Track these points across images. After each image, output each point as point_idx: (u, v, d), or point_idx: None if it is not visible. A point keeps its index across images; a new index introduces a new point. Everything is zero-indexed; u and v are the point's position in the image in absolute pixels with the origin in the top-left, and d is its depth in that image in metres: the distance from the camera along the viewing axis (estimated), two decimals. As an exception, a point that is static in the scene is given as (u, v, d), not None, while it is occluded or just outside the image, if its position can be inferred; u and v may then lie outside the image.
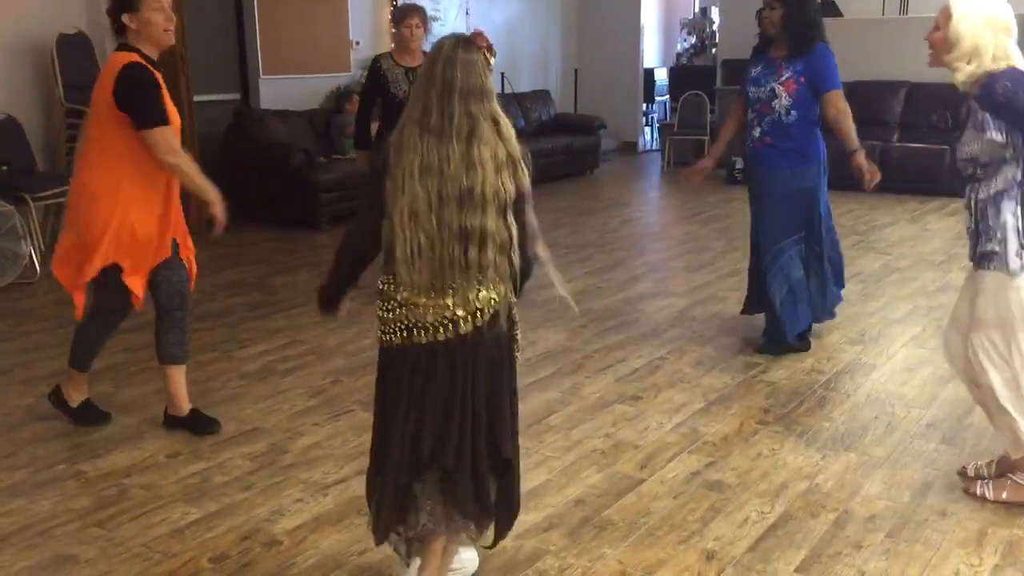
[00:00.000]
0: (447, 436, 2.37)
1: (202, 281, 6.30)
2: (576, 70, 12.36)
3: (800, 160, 4.53)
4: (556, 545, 2.97)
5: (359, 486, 3.36)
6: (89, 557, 2.92)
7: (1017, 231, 3.01)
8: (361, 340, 5.02)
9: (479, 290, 2.33)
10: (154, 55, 3.49)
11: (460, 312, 2.33)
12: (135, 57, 3.41)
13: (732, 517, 3.13)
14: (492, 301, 2.37)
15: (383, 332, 2.43)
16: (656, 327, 5.23)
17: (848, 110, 4.54)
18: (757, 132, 4.57)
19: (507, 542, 2.97)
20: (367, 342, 5.00)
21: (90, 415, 3.90)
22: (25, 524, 3.12)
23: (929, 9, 11.58)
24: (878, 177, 4.45)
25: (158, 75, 3.46)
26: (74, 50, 7.04)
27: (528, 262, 2.40)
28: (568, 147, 10.57)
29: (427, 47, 10.23)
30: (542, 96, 11.36)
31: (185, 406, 3.82)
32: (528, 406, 4.10)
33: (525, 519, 3.12)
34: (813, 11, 4.55)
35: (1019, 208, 3.02)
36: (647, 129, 13.68)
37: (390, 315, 2.40)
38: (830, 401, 4.14)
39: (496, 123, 2.29)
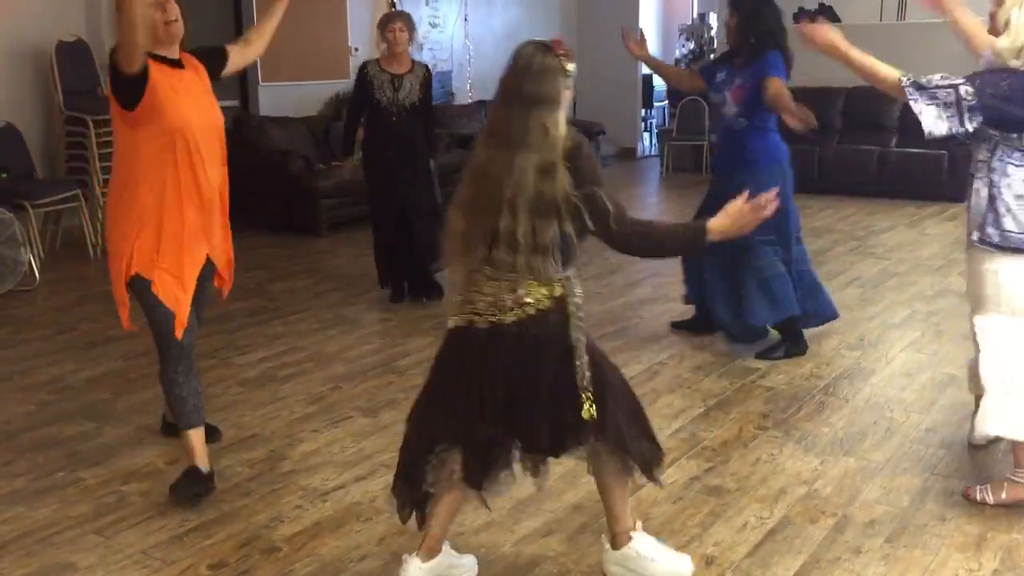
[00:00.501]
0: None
1: (201, 288, 6.32)
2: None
3: (752, 165, 4.52)
4: (555, 551, 2.97)
5: (358, 492, 3.37)
6: (88, 564, 2.92)
7: (980, 210, 3.07)
8: (360, 347, 5.03)
9: (521, 286, 2.42)
10: (171, 53, 3.20)
11: (507, 304, 2.43)
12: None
13: (731, 522, 3.13)
14: (541, 296, 2.45)
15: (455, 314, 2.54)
16: (655, 332, 5.23)
17: (786, 92, 4.42)
18: (714, 137, 4.65)
19: (506, 548, 2.98)
20: (367, 348, 5.01)
21: (182, 485, 3.29)
22: (24, 531, 3.12)
23: (926, 16, 11.59)
24: (812, 118, 4.37)
25: (161, 66, 3.15)
26: (73, 57, 7.05)
27: (623, 237, 2.49)
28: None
29: (417, 53, 10.25)
30: (541, 102, 11.37)
31: None
32: (527, 412, 4.10)
33: (524, 524, 3.13)
34: (769, 19, 4.58)
35: (986, 188, 3.06)
36: (646, 135, 13.70)
37: (460, 298, 2.51)
38: (829, 406, 4.14)
39: (547, 131, 2.36)
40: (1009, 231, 3.02)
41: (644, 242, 2.54)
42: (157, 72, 3.11)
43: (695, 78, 5.16)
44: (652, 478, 2.65)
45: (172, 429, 3.70)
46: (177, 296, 3.21)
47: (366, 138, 5.62)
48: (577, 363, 2.47)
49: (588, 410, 2.46)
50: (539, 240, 2.37)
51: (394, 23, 5.48)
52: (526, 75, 2.37)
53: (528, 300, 2.43)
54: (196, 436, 3.32)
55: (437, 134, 9.35)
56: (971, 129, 3.00)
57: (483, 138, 2.47)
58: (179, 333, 3.21)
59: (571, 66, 2.41)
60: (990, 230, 3.05)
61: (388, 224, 5.61)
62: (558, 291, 2.47)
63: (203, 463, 3.32)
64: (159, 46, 3.16)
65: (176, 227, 3.20)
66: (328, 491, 3.39)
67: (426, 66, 5.66)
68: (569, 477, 3.47)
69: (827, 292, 4.95)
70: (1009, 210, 3.02)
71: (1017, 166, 3.03)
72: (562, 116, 2.42)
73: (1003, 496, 3.18)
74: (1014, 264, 3.05)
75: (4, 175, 6.31)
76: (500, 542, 3.02)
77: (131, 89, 3.07)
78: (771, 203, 2.47)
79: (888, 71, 3.17)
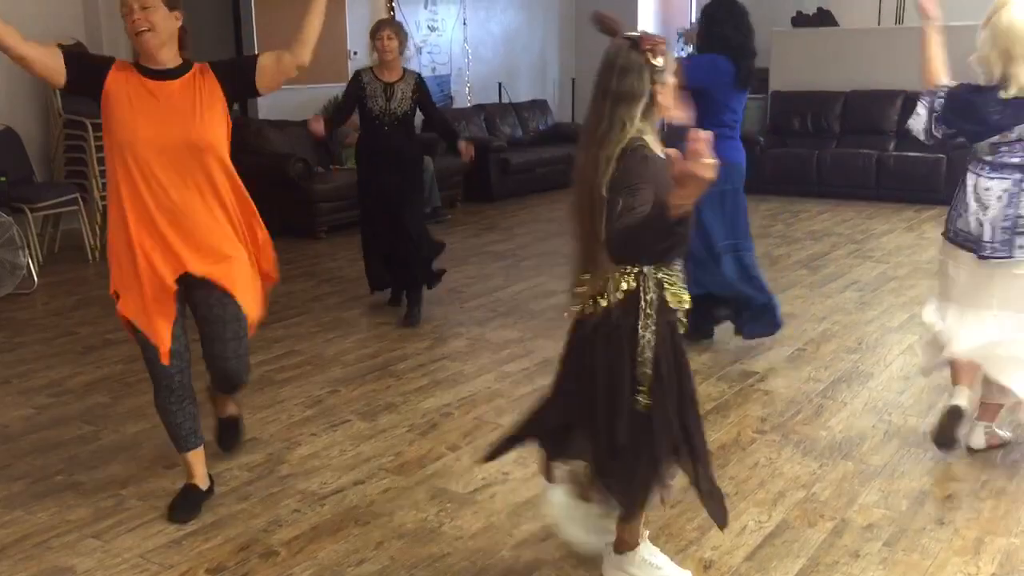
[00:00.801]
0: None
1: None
2: (573, 80, 12.38)
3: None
4: (554, 555, 2.97)
5: (356, 496, 3.37)
6: (86, 568, 2.92)
7: (954, 205, 3.53)
8: (359, 350, 5.03)
9: (607, 279, 2.48)
10: (155, 63, 3.00)
11: (591, 296, 2.52)
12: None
13: (730, 526, 3.12)
14: (622, 289, 2.48)
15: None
16: (654, 336, 5.22)
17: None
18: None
19: (505, 552, 2.98)
20: (365, 352, 5.00)
21: (180, 506, 3.26)
22: (23, 535, 3.12)
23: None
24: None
25: (130, 77, 3.01)
26: (72, 61, 7.05)
27: (609, 243, 2.42)
28: (566, 156, 10.55)
29: (415, 57, 10.20)
30: (539, 105, 11.38)
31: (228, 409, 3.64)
32: (526, 416, 4.10)
33: (523, 529, 3.13)
34: (724, 27, 4.61)
35: (960, 189, 3.51)
36: (644, 138, 13.72)
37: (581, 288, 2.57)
38: (827, 410, 4.14)
39: (624, 127, 2.38)
40: (960, 229, 3.47)
41: (622, 238, 2.52)
42: (116, 84, 2.97)
43: None
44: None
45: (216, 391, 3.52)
46: (150, 320, 3.03)
47: (359, 141, 5.63)
48: (639, 360, 2.48)
49: (643, 403, 2.49)
50: (596, 232, 2.42)
51: (383, 31, 5.47)
52: (611, 72, 2.40)
53: (603, 293, 2.50)
54: (194, 457, 3.26)
55: (436, 137, 9.44)
56: (939, 136, 3.50)
57: (580, 138, 2.51)
58: (164, 359, 3.05)
59: (659, 60, 2.39)
60: (949, 226, 3.54)
61: (380, 232, 5.57)
62: (630, 285, 2.48)
63: (202, 482, 3.30)
64: (148, 59, 3.01)
65: (126, 246, 3.02)
66: (326, 495, 3.39)
67: (417, 73, 5.65)
68: (567, 481, 3.47)
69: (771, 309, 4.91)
70: (963, 212, 3.44)
71: (975, 174, 3.42)
72: (638, 112, 2.40)
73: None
74: (957, 258, 3.51)
75: (3, 179, 6.31)
76: (498, 546, 3.02)
77: (87, 96, 3.00)
78: (704, 140, 2.37)
79: (936, 72, 3.56)
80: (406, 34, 5.61)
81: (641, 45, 2.40)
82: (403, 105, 5.48)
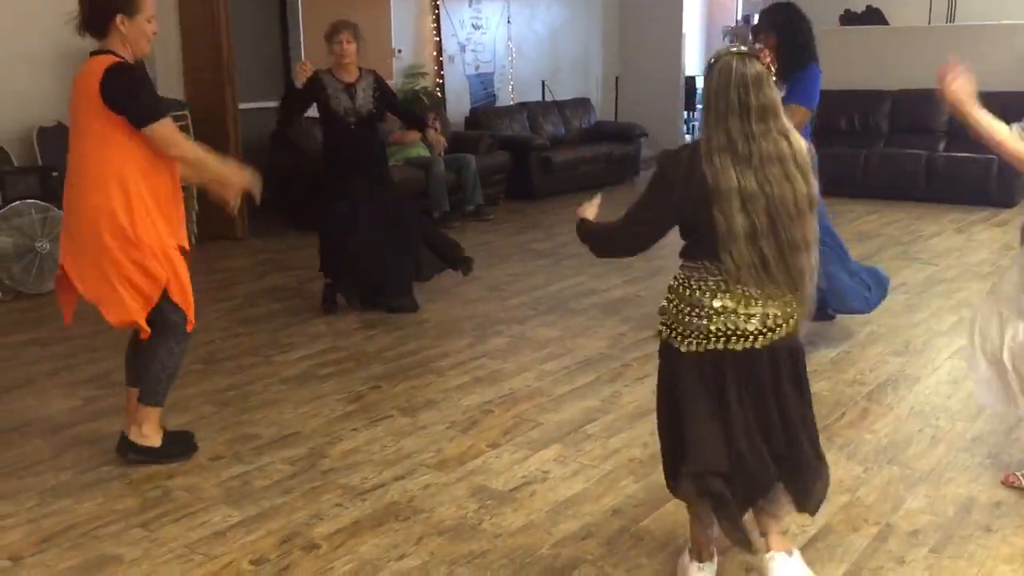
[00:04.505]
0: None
1: (245, 286, 6.39)
2: (617, 78, 12.34)
3: None
4: (593, 554, 2.97)
5: (397, 492, 3.39)
6: (133, 558, 2.97)
7: None
8: (400, 346, 5.05)
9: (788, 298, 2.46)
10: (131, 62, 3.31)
11: (779, 319, 2.46)
12: (118, 59, 3.26)
13: (772, 529, 3.10)
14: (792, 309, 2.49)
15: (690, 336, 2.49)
16: (696, 336, 5.19)
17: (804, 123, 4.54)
18: None
19: (544, 550, 2.98)
20: (406, 348, 5.03)
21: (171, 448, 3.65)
22: (70, 524, 3.18)
23: (975, 17, 11.42)
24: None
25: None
26: (123, 58, 7.17)
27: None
28: (608, 155, 10.55)
29: (459, 55, 10.21)
30: (582, 104, 11.35)
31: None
32: (566, 414, 4.10)
33: (562, 527, 3.12)
34: (806, 34, 4.70)
35: None
36: (688, 137, 13.62)
37: (703, 321, 2.46)
38: (872, 413, 4.08)
39: (787, 136, 2.36)
40: None
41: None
42: None
43: None
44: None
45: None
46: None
47: (325, 146, 5.55)
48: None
49: None
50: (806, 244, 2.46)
51: (341, 34, 5.36)
52: (759, 85, 2.34)
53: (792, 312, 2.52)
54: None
55: (479, 135, 9.46)
56: None
57: (721, 157, 2.35)
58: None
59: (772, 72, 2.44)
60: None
61: (343, 231, 5.41)
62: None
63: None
64: (133, 59, 3.33)
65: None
66: (367, 490, 3.41)
67: (373, 71, 5.56)
68: (607, 481, 3.46)
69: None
70: None
71: None
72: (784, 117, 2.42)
73: None
74: None
75: (54, 174, 6.42)
76: (538, 544, 3.02)
77: None
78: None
79: (1000, 129, 3.02)
80: (362, 36, 5.49)
81: (761, 59, 2.37)
82: (367, 103, 5.42)
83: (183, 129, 6.91)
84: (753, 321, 2.43)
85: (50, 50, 6.60)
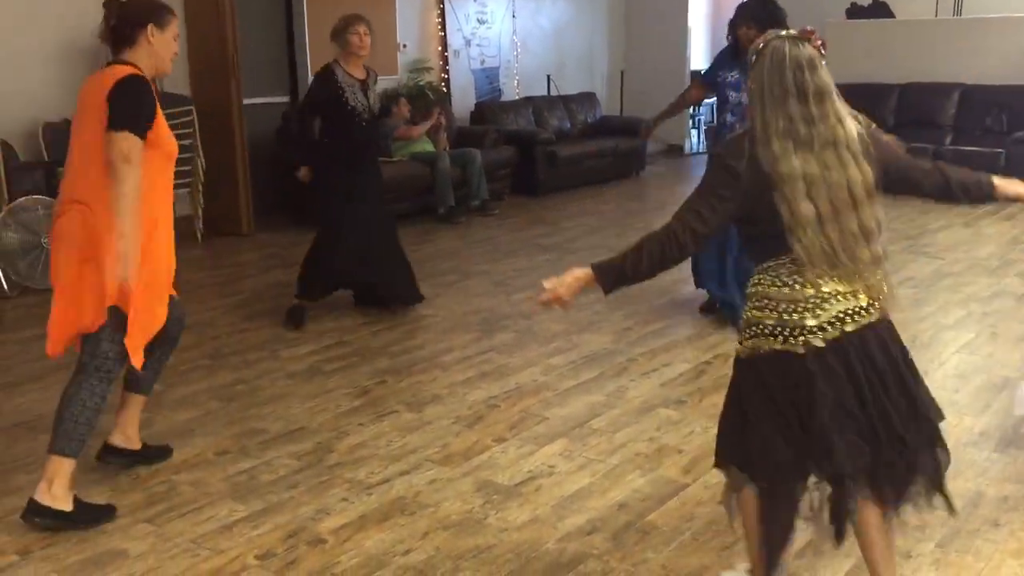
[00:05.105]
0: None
1: (251, 281, 6.40)
2: (622, 72, 12.31)
3: None
4: (599, 549, 2.97)
5: (403, 487, 3.39)
6: (139, 552, 2.98)
7: None
8: (405, 341, 5.06)
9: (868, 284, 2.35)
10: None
11: (868, 306, 2.34)
12: (138, 71, 3.17)
13: (778, 524, 3.09)
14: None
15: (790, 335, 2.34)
16: (701, 331, 5.19)
17: None
18: (739, 126, 4.89)
19: (550, 544, 2.98)
20: (412, 343, 5.03)
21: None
22: (78, 518, 3.18)
23: (983, 10, 11.34)
24: None
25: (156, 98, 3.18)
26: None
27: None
28: (614, 149, 10.53)
29: (463, 50, 10.17)
30: (588, 98, 11.33)
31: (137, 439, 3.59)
32: (571, 409, 4.10)
33: (568, 521, 3.12)
34: (784, 26, 4.75)
35: None
36: (694, 131, 13.59)
37: (820, 310, 2.31)
38: (879, 408, 4.07)
39: (842, 121, 2.29)
40: None
41: None
42: None
43: (698, 90, 5.69)
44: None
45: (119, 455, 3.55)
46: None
47: (331, 145, 5.28)
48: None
49: None
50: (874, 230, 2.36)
51: (360, 25, 5.12)
52: (800, 68, 2.27)
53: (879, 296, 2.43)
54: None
55: (484, 130, 9.46)
56: None
57: (781, 142, 2.27)
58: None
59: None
60: None
61: (353, 231, 5.24)
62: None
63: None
64: (153, 75, 3.25)
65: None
66: (373, 484, 3.41)
67: (372, 69, 5.41)
68: (613, 476, 3.46)
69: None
70: None
71: None
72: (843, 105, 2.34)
73: None
74: None
75: (60, 169, 6.43)
76: (543, 539, 3.02)
77: None
78: None
79: None
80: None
81: (812, 41, 2.30)
82: (377, 102, 5.35)
83: (187, 124, 6.94)
84: (861, 296, 2.32)
85: (56, 46, 6.62)
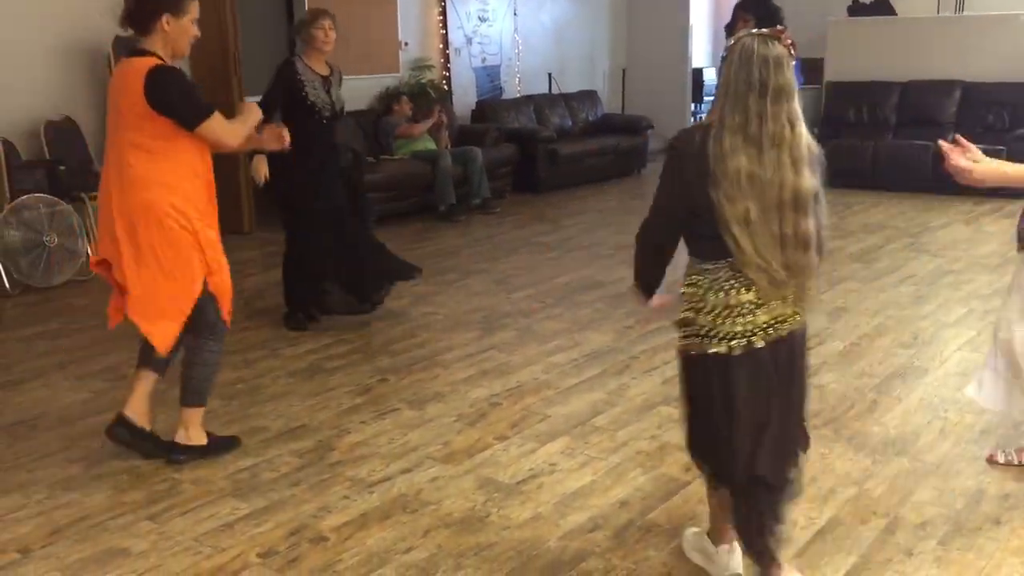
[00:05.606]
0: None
1: (251, 279, 6.41)
2: (624, 70, 12.31)
3: None
4: (601, 546, 2.97)
5: (404, 484, 3.39)
6: (141, 550, 2.98)
7: None
8: (406, 340, 5.06)
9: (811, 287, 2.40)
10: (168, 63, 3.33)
11: (793, 314, 2.43)
12: (159, 61, 3.27)
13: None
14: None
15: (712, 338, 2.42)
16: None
17: None
18: None
19: (552, 542, 2.98)
20: (412, 341, 5.03)
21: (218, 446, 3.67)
22: (79, 517, 3.19)
23: (985, 8, 11.34)
24: None
25: None
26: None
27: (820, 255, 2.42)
28: (615, 147, 10.52)
29: (464, 47, 10.15)
30: (589, 96, 11.32)
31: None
32: (573, 407, 4.10)
33: (570, 519, 3.12)
34: (780, 21, 4.92)
35: None
36: (695, 129, 13.61)
37: (749, 317, 2.40)
38: (881, 405, 4.07)
39: (792, 125, 2.29)
40: None
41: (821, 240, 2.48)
42: None
43: None
44: None
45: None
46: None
47: (295, 143, 4.71)
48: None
49: None
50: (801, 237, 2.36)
51: (325, 20, 5.00)
52: (766, 65, 2.27)
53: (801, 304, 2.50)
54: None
55: (485, 128, 9.46)
56: None
57: (732, 137, 2.29)
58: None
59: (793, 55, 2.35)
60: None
61: (323, 232, 5.16)
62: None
63: None
64: (171, 60, 3.37)
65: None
66: (375, 482, 3.41)
67: (336, 66, 5.27)
68: (615, 474, 3.46)
69: None
70: None
71: None
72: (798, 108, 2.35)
73: None
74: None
75: (62, 168, 6.44)
76: (545, 536, 3.02)
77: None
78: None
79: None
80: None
81: (783, 40, 2.30)
82: (340, 99, 5.17)
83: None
84: (788, 304, 2.39)
85: (58, 44, 6.62)
